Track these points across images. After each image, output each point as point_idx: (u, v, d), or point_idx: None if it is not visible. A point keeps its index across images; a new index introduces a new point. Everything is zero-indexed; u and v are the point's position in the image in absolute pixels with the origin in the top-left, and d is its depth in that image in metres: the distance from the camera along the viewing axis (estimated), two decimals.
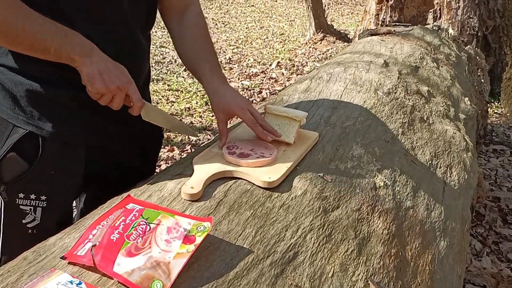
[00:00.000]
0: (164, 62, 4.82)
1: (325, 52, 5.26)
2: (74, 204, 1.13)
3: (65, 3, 0.82)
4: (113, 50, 0.87)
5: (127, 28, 0.94)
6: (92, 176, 1.00)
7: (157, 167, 2.63)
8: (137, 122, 0.93)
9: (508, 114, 3.55)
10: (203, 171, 0.86)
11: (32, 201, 0.90)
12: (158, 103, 3.65)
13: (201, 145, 1.13)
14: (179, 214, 0.71)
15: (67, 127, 0.91)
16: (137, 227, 0.66)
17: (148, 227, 0.66)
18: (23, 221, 0.91)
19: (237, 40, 6.00)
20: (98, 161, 0.98)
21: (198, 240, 0.64)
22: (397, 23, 3.66)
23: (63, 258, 0.66)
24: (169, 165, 1.04)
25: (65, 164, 0.93)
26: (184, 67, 4.70)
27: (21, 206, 0.90)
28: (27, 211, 0.91)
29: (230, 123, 1.06)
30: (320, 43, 5.54)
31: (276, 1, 9.36)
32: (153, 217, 0.68)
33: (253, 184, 0.86)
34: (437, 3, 3.95)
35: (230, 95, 0.99)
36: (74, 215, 1.12)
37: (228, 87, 1.02)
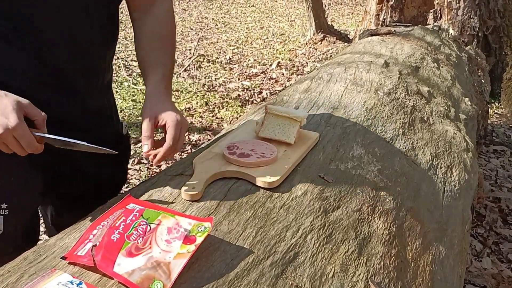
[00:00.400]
0: None
1: (325, 52, 5.26)
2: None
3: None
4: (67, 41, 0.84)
5: (82, 20, 0.87)
6: (54, 186, 0.97)
7: (157, 168, 2.64)
8: (92, 131, 0.90)
9: (508, 115, 3.55)
10: (203, 172, 0.86)
11: None
12: None
13: (202, 146, 1.13)
14: (180, 214, 0.71)
15: None
16: (137, 227, 0.66)
17: (149, 227, 0.66)
18: None
19: (237, 40, 6.00)
20: (56, 170, 0.95)
21: (199, 240, 0.64)
22: (398, 24, 3.66)
23: (63, 258, 0.66)
24: (169, 165, 1.04)
25: (23, 171, 0.89)
26: (184, 67, 4.71)
27: None
28: None
29: (230, 123, 1.06)
30: (321, 43, 5.54)
31: (276, 1, 9.36)
32: (153, 217, 0.68)
33: (254, 184, 0.85)
34: (437, 3, 3.95)
35: (168, 107, 0.89)
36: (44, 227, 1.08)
37: (171, 103, 0.92)
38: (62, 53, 0.86)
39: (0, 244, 0.89)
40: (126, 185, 2.46)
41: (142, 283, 0.58)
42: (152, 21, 0.97)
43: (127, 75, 4.27)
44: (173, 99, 4.08)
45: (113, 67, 1.14)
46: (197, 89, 4.03)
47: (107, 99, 1.04)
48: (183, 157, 2.73)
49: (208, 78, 4.40)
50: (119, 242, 0.63)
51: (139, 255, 0.61)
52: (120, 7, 1.00)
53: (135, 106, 3.54)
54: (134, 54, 5.04)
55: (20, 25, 0.80)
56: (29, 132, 0.72)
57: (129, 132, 1.13)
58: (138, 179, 2.49)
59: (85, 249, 0.65)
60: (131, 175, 2.53)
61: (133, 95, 3.78)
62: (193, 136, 3.10)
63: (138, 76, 4.30)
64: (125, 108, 3.48)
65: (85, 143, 0.77)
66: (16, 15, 0.79)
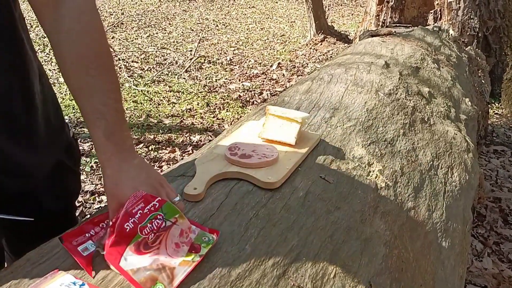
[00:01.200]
0: (165, 64, 4.82)
1: (326, 53, 5.26)
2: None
3: None
4: None
5: None
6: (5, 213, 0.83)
7: (159, 169, 2.64)
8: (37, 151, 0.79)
9: (508, 115, 3.55)
10: (205, 172, 0.87)
11: None
12: (160, 104, 3.66)
13: (202, 146, 1.13)
14: (190, 221, 0.70)
15: None
16: (153, 220, 0.64)
17: (164, 224, 0.64)
18: None
19: (237, 41, 6.00)
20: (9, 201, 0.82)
21: (203, 251, 0.64)
22: (398, 24, 3.67)
23: (60, 239, 0.65)
24: (170, 166, 1.04)
25: None
26: (185, 68, 4.72)
27: None
28: None
29: (231, 123, 1.06)
30: (321, 44, 5.54)
31: (276, 2, 9.37)
32: (171, 213, 0.66)
33: (255, 185, 0.86)
34: (437, 4, 3.95)
35: (131, 179, 0.68)
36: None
37: (128, 162, 0.69)
38: None
39: None
40: None
41: (145, 283, 0.58)
42: (63, 29, 0.68)
43: (128, 76, 4.28)
44: (174, 100, 4.06)
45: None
46: (198, 90, 4.03)
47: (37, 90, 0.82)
48: (184, 158, 2.73)
49: (209, 79, 4.41)
50: (131, 232, 0.61)
51: (147, 253, 0.61)
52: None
53: (136, 107, 3.55)
54: (135, 56, 5.05)
55: None
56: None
57: (75, 134, 0.97)
58: None
59: (84, 246, 0.64)
60: None
61: (134, 97, 3.78)
62: (194, 137, 3.10)
63: (139, 77, 4.31)
64: (127, 109, 3.49)
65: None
66: None
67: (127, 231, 0.61)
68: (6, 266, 0.73)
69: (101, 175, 1.01)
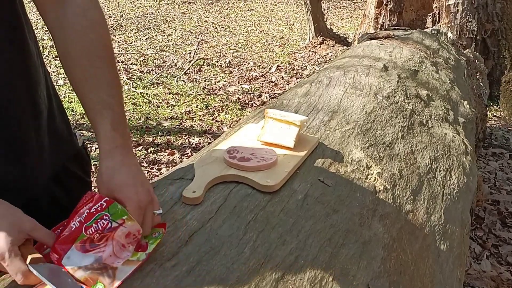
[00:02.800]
0: (164, 66, 4.83)
1: (325, 55, 5.28)
2: None
3: None
4: None
5: None
6: None
7: (157, 171, 2.64)
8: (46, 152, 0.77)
9: (507, 118, 3.56)
10: (204, 175, 0.87)
11: None
12: (159, 107, 3.66)
13: (201, 148, 1.13)
14: None
15: None
16: (99, 220, 0.62)
17: (110, 225, 0.62)
18: None
19: (237, 44, 6.01)
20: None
21: (150, 248, 0.64)
22: (396, 27, 3.68)
23: None
24: (169, 169, 1.04)
25: None
26: (184, 71, 4.72)
27: None
28: None
29: (230, 126, 1.06)
30: (320, 46, 5.55)
31: (275, 5, 9.39)
32: (118, 215, 0.63)
33: (254, 188, 0.86)
34: (436, 7, 3.96)
35: (127, 175, 0.68)
36: None
37: (129, 158, 0.71)
38: None
39: None
40: None
41: (85, 282, 0.58)
42: (74, 32, 0.71)
43: (127, 79, 4.28)
44: (173, 103, 4.07)
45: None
46: (197, 92, 4.04)
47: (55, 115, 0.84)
48: (183, 160, 2.73)
49: (208, 81, 4.41)
50: (76, 232, 0.61)
51: (90, 252, 0.61)
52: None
53: (135, 110, 3.55)
54: (134, 58, 5.06)
55: None
56: (15, 264, 0.57)
57: (85, 142, 0.95)
58: None
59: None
60: None
61: (133, 99, 3.78)
62: (193, 139, 3.10)
63: (138, 80, 4.31)
64: (126, 111, 3.49)
65: (72, 282, 0.60)
66: None
67: (73, 230, 0.61)
68: None
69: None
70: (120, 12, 7.80)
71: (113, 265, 0.60)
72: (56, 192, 0.84)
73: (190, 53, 5.38)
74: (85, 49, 0.70)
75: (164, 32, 6.41)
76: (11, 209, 0.61)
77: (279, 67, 4.91)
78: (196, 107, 3.71)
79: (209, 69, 4.84)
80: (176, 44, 5.85)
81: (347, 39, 5.82)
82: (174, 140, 3.09)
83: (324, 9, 6.73)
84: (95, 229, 0.61)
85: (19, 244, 0.58)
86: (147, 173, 2.60)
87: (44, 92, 0.80)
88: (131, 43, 5.75)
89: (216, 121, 3.44)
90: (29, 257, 0.59)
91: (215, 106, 3.73)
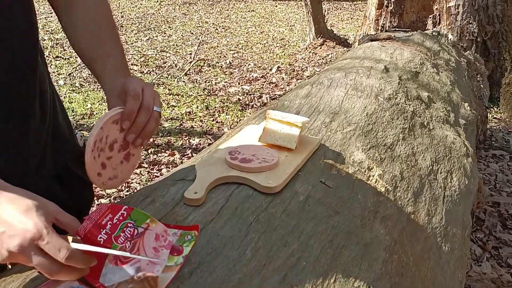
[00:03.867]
0: (165, 67, 4.83)
1: (325, 57, 5.28)
2: None
3: None
4: None
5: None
6: None
7: (158, 172, 2.64)
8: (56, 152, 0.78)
9: (507, 119, 3.56)
10: (205, 176, 0.87)
11: None
12: None
13: (202, 149, 1.13)
14: (164, 224, 0.68)
15: None
16: (124, 229, 0.60)
17: (136, 231, 0.61)
18: None
19: (237, 45, 6.01)
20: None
21: (186, 251, 0.63)
22: (397, 29, 3.68)
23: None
24: (170, 170, 1.04)
25: None
26: (185, 72, 4.72)
27: None
28: None
29: (231, 127, 1.06)
30: (320, 48, 5.56)
31: (276, 6, 9.39)
32: (141, 220, 0.63)
33: (256, 189, 0.86)
34: (436, 8, 3.97)
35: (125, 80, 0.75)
36: None
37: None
38: None
39: None
40: (127, 190, 2.46)
41: None
42: (81, 5, 0.82)
43: None
44: (174, 103, 4.08)
45: None
46: (198, 93, 4.04)
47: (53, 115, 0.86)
48: (183, 161, 2.73)
49: (209, 82, 4.41)
50: (106, 244, 0.56)
51: (126, 263, 0.58)
52: None
53: None
54: (134, 58, 5.06)
55: None
56: (56, 240, 0.53)
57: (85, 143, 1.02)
58: (139, 183, 2.49)
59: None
60: (132, 179, 2.54)
61: None
62: (194, 140, 3.10)
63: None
64: None
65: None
66: None
67: (102, 244, 0.56)
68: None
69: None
70: (121, 13, 7.81)
71: (153, 275, 0.58)
72: (58, 192, 0.84)
73: (190, 54, 5.38)
74: (93, 19, 0.82)
75: (164, 33, 6.41)
76: (33, 194, 0.59)
77: (279, 68, 4.92)
78: (197, 108, 3.71)
79: (210, 70, 4.84)
80: (176, 44, 5.85)
81: (348, 41, 5.83)
82: (175, 140, 3.09)
83: (325, 11, 6.74)
84: (124, 238, 0.59)
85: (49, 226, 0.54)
86: (147, 173, 2.60)
87: (49, 91, 0.82)
88: (132, 43, 5.75)
89: (217, 122, 3.44)
90: (70, 237, 0.56)
91: (215, 107, 3.73)
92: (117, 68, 0.79)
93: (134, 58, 5.05)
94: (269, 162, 0.91)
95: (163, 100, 3.83)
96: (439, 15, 3.93)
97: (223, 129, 3.28)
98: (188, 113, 3.58)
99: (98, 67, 0.79)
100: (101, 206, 0.61)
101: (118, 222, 0.60)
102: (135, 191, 0.95)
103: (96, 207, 0.64)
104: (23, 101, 0.74)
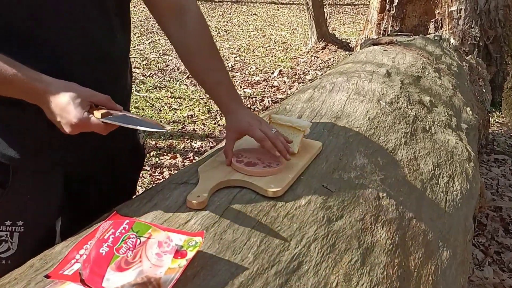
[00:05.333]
0: (167, 70, 4.85)
1: (327, 60, 5.29)
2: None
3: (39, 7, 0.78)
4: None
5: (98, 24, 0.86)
6: (69, 199, 0.97)
7: (160, 174, 2.64)
8: (114, 138, 0.87)
9: (509, 124, 3.56)
10: (208, 180, 0.87)
11: (8, 227, 0.87)
12: (161, 110, 3.67)
13: (204, 153, 1.13)
14: (170, 230, 0.70)
15: (39, 157, 0.88)
16: (127, 240, 0.64)
17: (139, 241, 0.64)
18: None
19: (239, 48, 6.03)
20: (75, 183, 0.96)
21: (190, 254, 0.63)
22: (399, 33, 3.69)
23: (47, 277, 0.62)
24: (172, 173, 1.05)
25: (41, 190, 0.90)
26: (187, 74, 4.73)
27: None
28: (3, 237, 0.86)
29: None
30: (322, 51, 5.57)
31: (278, 10, 9.42)
32: (143, 230, 0.67)
33: (258, 193, 0.86)
34: (438, 13, 3.98)
35: (245, 117, 0.98)
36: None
37: (244, 111, 1.00)
38: (79, 64, 0.85)
39: (11, 264, 0.86)
40: None
41: None
42: (191, 34, 0.97)
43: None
44: (176, 106, 4.08)
45: None
46: (200, 96, 4.05)
47: (128, 107, 1.04)
48: (185, 164, 2.74)
49: None
50: (108, 255, 0.61)
51: (129, 269, 0.60)
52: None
53: (138, 113, 3.56)
54: (137, 61, 5.07)
55: (35, 40, 0.80)
56: (92, 122, 0.74)
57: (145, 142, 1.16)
58: (141, 186, 2.49)
59: (72, 269, 0.62)
60: None
61: (136, 102, 3.79)
62: (196, 143, 3.11)
63: (140, 83, 4.32)
64: None
65: (142, 120, 0.77)
66: (32, 33, 0.79)
67: (104, 255, 0.61)
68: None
69: None
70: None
71: (156, 276, 0.59)
72: (109, 175, 1.01)
73: None
74: (203, 45, 0.98)
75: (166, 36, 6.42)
76: (68, 83, 0.75)
77: (281, 72, 4.92)
78: (199, 111, 3.71)
79: None
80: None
81: (350, 44, 5.83)
82: (176, 144, 3.09)
83: (327, 14, 6.75)
84: (126, 248, 0.62)
85: (86, 110, 0.74)
86: (150, 176, 2.60)
87: (124, 81, 1.00)
88: (134, 47, 5.77)
89: (219, 125, 3.45)
90: (97, 113, 0.74)
91: (217, 110, 3.73)
92: (230, 95, 0.99)
93: (137, 61, 5.07)
94: (274, 167, 0.92)
95: (165, 104, 3.84)
96: (441, 19, 3.94)
97: (224, 132, 3.28)
98: (190, 116, 3.59)
99: (213, 94, 1.01)
100: (104, 225, 0.67)
101: (120, 235, 0.64)
102: (138, 194, 0.96)
103: (102, 226, 0.68)
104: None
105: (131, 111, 1.08)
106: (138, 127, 0.74)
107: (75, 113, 0.73)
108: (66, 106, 0.73)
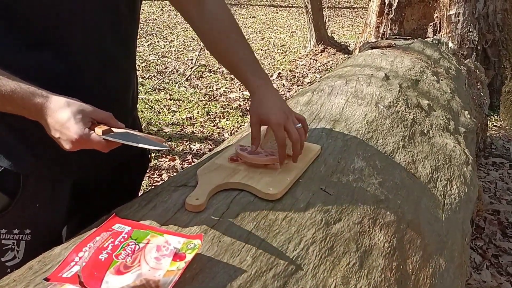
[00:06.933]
0: (166, 72, 4.85)
1: (326, 63, 5.30)
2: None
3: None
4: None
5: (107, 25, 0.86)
6: (76, 205, 0.97)
7: (158, 177, 2.64)
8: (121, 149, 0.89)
9: (507, 127, 3.57)
10: (207, 183, 0.87)
11: (15, 235, 0.87)
12: (160, 113, 3.68)
13: (202, 155, 1.13)
14: (169, 232, 0.70)
15: (51, 165, 0.89)
16: (126, 247, 0.65)
17: (138, 247, 0.65)
18: (2, 259, 0.87)
19: None
20: (83, 189, 0.97)
21: (189, 257, 0.64)
22: (398, 36, 3.70)
23: (46, 279, 0.63)
24: (170, 175, 1.06)
25: (50, 198, 0.90)
26: (186, 77, 4.73)
27: (3, 241, 0.86)
28: (9, 246, 0.87)
29: (231, 132, 1.07)
30: (321, 54, 5.58)
31: (277, 13, 9.44)
32: (142, 237, 0.68)
33: (257, 196, 0.87)
34: (437, 16, 3.99)
35: (271, 103, 0.95)
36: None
37: (270, 91, 0.97)
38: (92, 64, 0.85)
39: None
40: None
41: None
42: (213, 20, 0.98)
43: None
44: (175, 109, 4.09)
45: None
46: (198, 98, 4.05)
47: (135, 124, 1.04)
48: (183, 166, 2.74)
49: (209, 88, 4.43)
50: (107, 261, 0.62)
51: (128, 272, 0.60)
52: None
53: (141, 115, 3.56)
54: (136, 64, 5.08)
55: (49, 35, 0.80)
56: (94, 139, 0.72)
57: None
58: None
59: (72, 272, 0.63)
60: None
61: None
62: (194, 145, 3.11)
63: (140, 85, 4.33)
64: None
65: (143, 137, 0.75)
66: (46, 26, 0.79)
67: (103, 261, 0.62)
68: None
69: None
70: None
71: (155, 278, 0.60)
72: (118, 180, 1.02)
73: (192, 59, 5.40)
74: (225, 26, 0.99)
75: (166, 38, 6.44)
76: (71, 99, 0.73)
77: (280, 75, 4.93)
78: (198, 113, 3.72)
79: (211, 75, 4.86)
80: (178, 50, 5.88)
81: (348, 48, 5.85)
82: (175, 146, 3.09)
83: (326, 17, 6.77)
84: (125, 254, 0.63)
85: (88, 126, 0.72)
86: (148, 179, 2.60)
87: (133, 87, 1.02)
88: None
89: (217, 127, 3.45)
90: (98, 130, 0.72)
91: (216, 113, 3.74)
92: (254, 72, 0.98)
93: (136, 63, 5.08)
94: (276, 155, 0.93)
95: (164, 106, 3.84)
96: (440, 23, 3.96)
97: (223, 135, 3.29)
98: (189, 119, 3.59)
99: (238, 72, 1.00)
100: (104, 234, 0.69)
101: (119, 244, 0.66)
102: (137, 196, 0.96)
103: (101, 235, 0.69)
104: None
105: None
106: (140, 145, 0.72)
107: (76, 129, 0.70)
108: (66, 122, 0.71)
